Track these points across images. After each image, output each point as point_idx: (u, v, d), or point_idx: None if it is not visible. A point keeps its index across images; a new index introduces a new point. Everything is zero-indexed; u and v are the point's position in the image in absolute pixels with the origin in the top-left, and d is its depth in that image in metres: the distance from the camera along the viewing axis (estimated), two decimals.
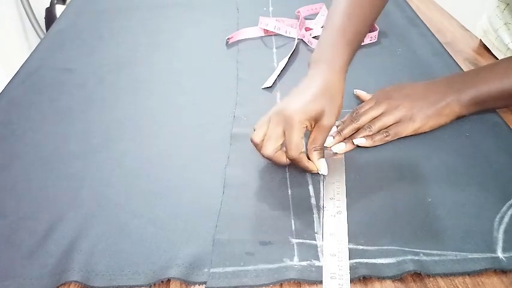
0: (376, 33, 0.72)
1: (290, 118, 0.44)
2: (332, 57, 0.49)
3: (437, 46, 0.70)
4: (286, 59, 0.67)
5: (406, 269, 0.37)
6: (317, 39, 0.74)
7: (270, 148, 0.45)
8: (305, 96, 0.46)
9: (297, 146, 0.44)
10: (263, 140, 0.46)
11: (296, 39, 0.72)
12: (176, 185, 0.47)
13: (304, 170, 0.47)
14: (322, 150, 0.47)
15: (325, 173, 0.46)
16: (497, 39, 0.65)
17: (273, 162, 0.47)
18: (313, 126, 0.46)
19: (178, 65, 0.69)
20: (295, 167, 0.47)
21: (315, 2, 0.82)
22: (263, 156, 0.46)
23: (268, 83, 0.62)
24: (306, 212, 0.43)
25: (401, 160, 0.49)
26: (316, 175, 0.47)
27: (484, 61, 0.68)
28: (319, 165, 0.46)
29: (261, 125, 0.47)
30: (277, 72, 0.64)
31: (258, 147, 0.46)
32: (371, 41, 0.72)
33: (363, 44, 0.71)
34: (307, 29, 0.75)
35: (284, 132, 0.45)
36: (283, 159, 0.46)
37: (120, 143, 0.54)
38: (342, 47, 0.49)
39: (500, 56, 0.66)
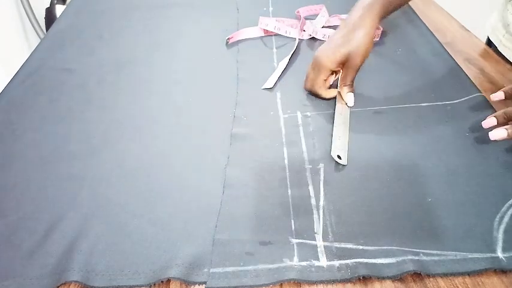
0: (379, 32, 0.72)
1: (319, 64, 0.54)
2: (368, 4, 0.54)
3: (437, 46, 0.70)
4: (286, 59, 0.67)
5: (406, 269, 0.37)
6: (317, 40, 0.74)
7: (307, 84, 0.58)
8: (335, 41, 0.53)
9: (308, 79, 0.57)
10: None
11: (297, 39, 0.72)
12: (176, 185, 0.47)
13: (321, 98, 0.57)
14: (352, 86, 0.56)
15: (351, 105, 0.56)
16: (505, 36, 0.65)
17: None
18: (343, 66, 0.55)
19: (178, 65, 0.69)
20: (294, 166, 0.48)
21: (315, 2, 0.82)
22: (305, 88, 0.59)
23: (269, 84, 0.62)
24: (306, 212, 0.43)
25: (401, 160, 0.49)
26: (316, 175, 0.47)
27: (484, 61, 0.68)
28: (347, 98, 0.56)
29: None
30: (278, 73, 0.64)
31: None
32: (374, 40, 0.72)
33: None
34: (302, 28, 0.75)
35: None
36: (323, 93, 0.57)
37: (120, 143, 0.54)
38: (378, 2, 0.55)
39: (506, 53, 0.66)
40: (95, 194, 0.46)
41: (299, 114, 0.57)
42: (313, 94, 0.59)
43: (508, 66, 0.66)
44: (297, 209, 0.44)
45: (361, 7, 0.54)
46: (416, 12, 0.81)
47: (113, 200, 0.46)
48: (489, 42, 0.74)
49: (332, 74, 0.57)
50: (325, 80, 0.56)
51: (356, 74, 0.55)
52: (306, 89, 0.59)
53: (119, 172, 0.49)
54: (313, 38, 0.74)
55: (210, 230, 0.42)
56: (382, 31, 0.74)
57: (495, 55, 0.68)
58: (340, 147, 0.49)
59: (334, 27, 0.76)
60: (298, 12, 0.79)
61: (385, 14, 0.56)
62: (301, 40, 0.74)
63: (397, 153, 0.50)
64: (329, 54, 0.53)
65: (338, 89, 0.57)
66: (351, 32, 0.53)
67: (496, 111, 0.55)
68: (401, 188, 0.45)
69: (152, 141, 0.54)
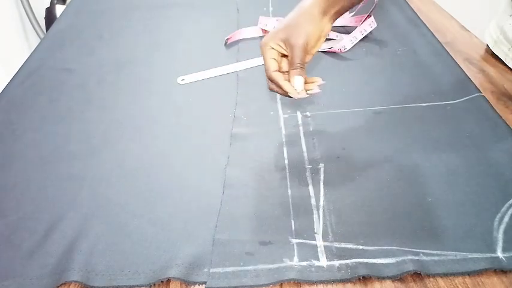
0: (372, 18, 0.72)
1: (261, 45, 0.49)
2: None
3: (437, 46, 0.70)
4: None
5: (406, 269, 0.37)
6: None
7: (266, 72, 0.49)
8: (278, 24, 0.49)
9: (266, 67, 0.48)
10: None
11: None
12: (176, 185, 0.47)
13: (281, 93, 0.48)
14: (301, 69, 0.47)
15: (300, 89, 0.47)
16: (511, 50, 0.65)
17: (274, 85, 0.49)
18: (287, 49, 0.48)
19: (178, 65, 0.69)
20: (294, 166, 0.48)
21: None
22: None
23: None
24: (306, 212, 0.43)
25: (401, 160, 0.49)
26: (316, 175, 0.47)
27: (484, 61, 0.68)
28: (294, 81, 0.47)
29: None
30: None
31: None
32: (372, 27, 0.72)
33: (365, 33, 0.71)
34: None
35: None
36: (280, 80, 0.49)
37: (120, 143, 0.54)
38: None
39: None
40: (95, 194, 0.46)
41: (299, 114, 0.57)
42: (274, 89, 0.49)
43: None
44: (297, 209, 0.44)
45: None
46: (417, 12, 0.81)
47: (113, 200, 0.46)
48: (484, 46, 0.73)
49: (285, 59, 0.50)
50: (278, 66, 0.49)
51: (303, 54, 0.47)
52: (268, 84, 0.50)
53: (119, 172, 0.49)
54: None
55: (210, 230, 0.42)
56: (381, 31, 0.74)
57: (495, 55, 0.68)
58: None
59: (342, 27, 0.76)
60: None
61: (340, 9, 0.50)
62: None
63: (397, 153, 0.50)
64: (270, 35, 0.49)
65: (278, 73, 0.49)
66: (293, 16, 0.49)
67: (496, 111, 0.55)
68: (401, 188, 0.45)
69: (152, 141, 0.54)
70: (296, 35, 0.47)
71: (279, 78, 0.48)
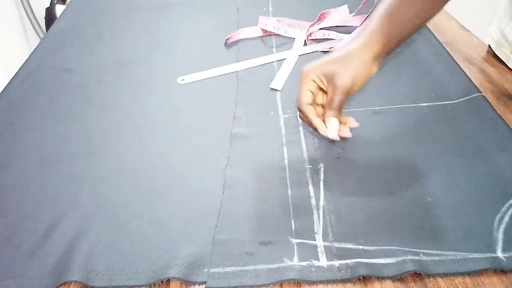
0: None
1: (302, 73, 0.47)
2: (370, 37, 0.47)
3: (437, 46, 0.70)
4: (291, 59, 0.67)
5: (406, 269, 0.37)
6: (317, 41, 0.74)
7: (298, 102, 0.47)
8: (326, 57, 0.47)
9: (299, 96, 0.47)
10: None
11: (296, 39, 0.72)
12: (176, 185, 0.47)
13: (311, 127, 0.47)
14: (338, 111, 0.46)
15: (331, 136, 0.45)
16: None
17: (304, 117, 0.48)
18: (328, 87, 0.46)
19: (178, 65, 0.69)
20: (294, 166, 0.48)
21: (316, 3, 0.82)
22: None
23: (278, 86, 0.62)
24: (306, 212, 0.43)
25: (401, 160, 0.49)
26: (316, 175, 0.47)
27: (484, 61, 0.68)
28: (329, 124, 0.46)
29: None
30: (286, 72, 0.64)
31: None
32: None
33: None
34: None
35: None
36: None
37: (120, 143, 0.54)
38: (386, 32, 0.47)
39: None
40: (95, 194, 0.46)
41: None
42: (304, 119, 0.49)
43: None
44: (297, 209, 0.44)
45: (362, 35, 0.47)
46: None
47: (113, 200, 0.46)
48: (484, 46, 0.73)
49: (321, 92, 0.48)
50: (312, 99, 0.47)
51: (345, 97, 0.46)
52: (298, 112, 0.49)
53: (119, 172, 0.49)
54: (314, 39, 0.74)
55: (210, 230, 0.42)
56: None
57: (496, 56, 0.68)
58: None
59: (343, 27, 0.76)
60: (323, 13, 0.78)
61: (386, 50, 0.48)
62: (304, 40, 0.74)
63: (397, 153, 0.50)
64: (314, 65, 0.46)
65: (311, 106, 0.48)
66: (344, 53, 0.46)
67: (496, 111, 0.55)
68: (401, 188, 0.45)
69: (152, 141, 0.54)
70: (343, 76, 0.45)
71: (310, 113, 0.47)
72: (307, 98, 0.46)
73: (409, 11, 0.48)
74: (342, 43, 0.49)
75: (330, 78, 0.45)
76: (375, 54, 0.46)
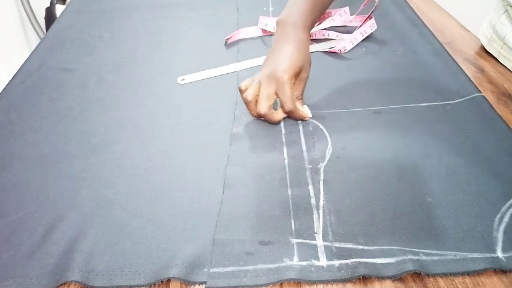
0: (373, 20, 0.72)
1: (281, 77, 0.51)
2: (299, 18, 0.55)
3: (437, 46, 0.70)
4: None
5: (406, 269, 0.37)
6: (317, 42, 0.74)
7: (265, 106, 0.52)
8: (285, 56, 0.53)
9: (291, 99, 0.52)
10: (256, 99, 0.53)
11: None
12: (176, 185, 0.47)
13: (299, 119, 0.55)
14: (302, 98, 0.56)
15: (311, 116, 0.56)
16: (503, 48, 0.65)
17: (266, 120, 0.54)
18: (296, 82, 0.54)
19: (178, 65, 0.69)
20: (294, 166, 0.47)
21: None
22: (258, 114, 0.53)
23: None
24: (305, 212, 0.43)
25: (401, 160, 0.49)
26: (316, 175, 0.47)
27: (484, 61, 0.68)
28: (306, 110, 0.56)
29: (251, 86, 0.53)
30: None
31: (250, 104, 0.53)
32: (372, 30, 0.72)
33: (365, 35, 0.72)
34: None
35: (275, 92, 0.52)
36: (275, 117, 0.54)
37: (120, 143, 0.54)
38: (308, 9, 0.56)
39: (507, 64, 0.65)
40: (95, 194, 0.46)
41: None
42: (292, 116, 0.55)
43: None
44: (296, 208, 0.44)
45: (293, 21, 0.55)
46: (416, 12, 0.81)
47: (113, 200, 0.46)
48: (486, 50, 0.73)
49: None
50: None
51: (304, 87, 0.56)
52: (285, 111, 0.54)
53: (119, 172, 0.49)
54: (314, 39, 0.74)
55: (210, 230, 0.42)
56: (381, 31, 0.74)
57: (488, 53, 0.68)
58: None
59: (343, 27, 0.76)
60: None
61: (316, 21, 0.59)
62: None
63: (397, 153, 0.50)
64: (287, 68, 0.52)
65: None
66: (296, 47, 0.54)
67: (496, 111, 0.55)
68: (401, 188, 0.45)
69: (152, 141, 0.54)
70: (306, 67, 0.54)
71: (298, 109, 0.54)
72: (295, 98, 0.54)
73: None
74: (280, 38, 0.56)
75: (297, 75, 0.53)
76: (306, 25, 0.55)
